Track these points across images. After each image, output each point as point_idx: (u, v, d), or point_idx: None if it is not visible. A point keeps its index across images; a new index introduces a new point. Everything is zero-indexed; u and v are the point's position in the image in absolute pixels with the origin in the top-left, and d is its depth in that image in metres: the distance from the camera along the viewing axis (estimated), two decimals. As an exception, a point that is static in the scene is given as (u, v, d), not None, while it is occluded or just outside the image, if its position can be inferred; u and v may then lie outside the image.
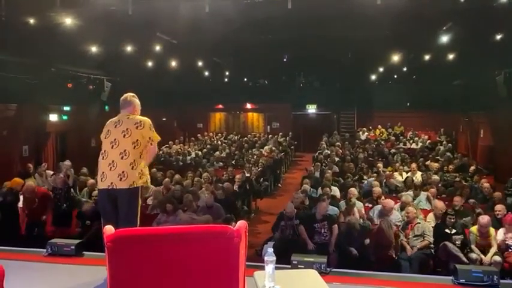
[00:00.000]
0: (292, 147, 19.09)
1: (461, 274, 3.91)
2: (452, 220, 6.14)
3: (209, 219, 6.62)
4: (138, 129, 3.78)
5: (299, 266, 4.15)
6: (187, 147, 16.82)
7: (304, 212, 7.25)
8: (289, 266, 4.17)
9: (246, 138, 19.41)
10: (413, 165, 11.05)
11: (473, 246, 5.94)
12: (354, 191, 7.88)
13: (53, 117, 13.85)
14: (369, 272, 4.42)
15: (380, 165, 11.46)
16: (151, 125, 3.87)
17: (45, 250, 4.75)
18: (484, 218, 5.92)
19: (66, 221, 7.21)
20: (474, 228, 6.08)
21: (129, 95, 4.04)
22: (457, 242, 5.91)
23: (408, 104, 20.39)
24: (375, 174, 10.39)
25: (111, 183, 3.69)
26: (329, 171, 10.65)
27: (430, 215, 6.87)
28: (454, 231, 6.05)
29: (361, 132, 19.56)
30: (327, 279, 2.94)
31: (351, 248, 6.05)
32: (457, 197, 7.40)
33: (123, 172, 3.68)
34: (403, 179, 10.02)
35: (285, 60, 17.12)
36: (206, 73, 18.98)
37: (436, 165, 11.78)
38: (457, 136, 18.44)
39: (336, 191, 8.94)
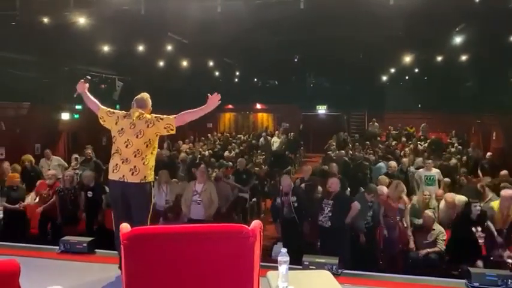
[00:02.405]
0: (302, 148, 19.01)
1: (474, 277, 3.87)
2: (478, 208, 5.79)
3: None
4: (149, 128, 3.86)
5: (310, 266, 4.14)
6: (197, 147, 16.83)
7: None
8: (300, 267, 4.16)
9: (254, 141, 19.35)
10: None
11: (489, 223, 5.67)
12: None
13: (65, 116, 14.00)
14: (381, 274, 4.40)
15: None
16: (156, 117, 3.92)
17: (57, 247, 4.81)
18: (508, 191, 5.49)
19: (74, 221, 7.22)
20: (495, 204, 5.81)
21: (146, 95, 4.14)
22: (480, 241, 5.62)
23: (419, 105, 20.21)
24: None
25: (123, 175, 3.79)
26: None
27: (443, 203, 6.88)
28: (479, 228, 5.65)
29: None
30: (339, 281, 2.92)
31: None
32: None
33: (135, 167, 3.79)
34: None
35: (295, 60, 17.07)
36: (216, 73, 19.01)
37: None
38: (468, 138, 18.22)
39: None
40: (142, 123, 3.88)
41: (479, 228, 5.66)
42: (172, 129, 3.92)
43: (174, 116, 3.92)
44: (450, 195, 6.93)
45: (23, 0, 8.50)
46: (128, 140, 3.83)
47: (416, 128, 19.90)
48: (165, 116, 3.94)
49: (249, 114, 23.74)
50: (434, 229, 6.23)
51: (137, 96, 4.10)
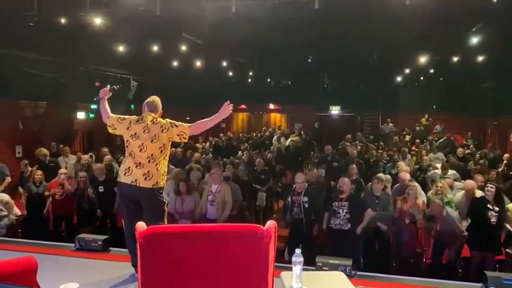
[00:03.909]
0: (315, 147, 18.92)
1: (491, 281, 3.81)
2: (492, 190, 5.54)
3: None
4: (164, 133, 3.86)
5: (323, 268, 4.12)
6: (208, 146, 16.86)
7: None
8: (313, 268, 4.14)
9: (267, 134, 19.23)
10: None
11: (506, 225, 5.54)
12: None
13: (81, 115, 14.21)
14: (395, 276, 4.36)
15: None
16: (171, 123, 3.92)
17: (73, 245, 4.88)
18: None
19: (90, 221, 7.27)
20: (511, 206, 5.67)
21: (157, 98, 4.12)
22: (492, 220, 5.46)
23: (434, 106, 19.94)
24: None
25: (136, 179, 3.80)
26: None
27: (460, 194, 6.60)
28: (496, 208, 5.50)
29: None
30: (353, 282, 2.90)
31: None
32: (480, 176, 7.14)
33: (148, 172, 3.80)
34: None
35: (309, 60, 17.01)
36: (230, 73, 19.06)
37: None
38: (484, 140, 17.92)
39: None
40: (157, 127, 3.87)
41: (496, 208, 5.51)
42: (185, 138, 3.92)
43: (189, 124, 3.92)
44: (471, 183, 6.54)
45: (40, 1, 8.65)
46: (142, 144, 3.84)
47: (431, 126, 19.62)
48: (180, 122, 3.93)
49: (262, 114, 23.74)
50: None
51: (148, 100, 4.08)
